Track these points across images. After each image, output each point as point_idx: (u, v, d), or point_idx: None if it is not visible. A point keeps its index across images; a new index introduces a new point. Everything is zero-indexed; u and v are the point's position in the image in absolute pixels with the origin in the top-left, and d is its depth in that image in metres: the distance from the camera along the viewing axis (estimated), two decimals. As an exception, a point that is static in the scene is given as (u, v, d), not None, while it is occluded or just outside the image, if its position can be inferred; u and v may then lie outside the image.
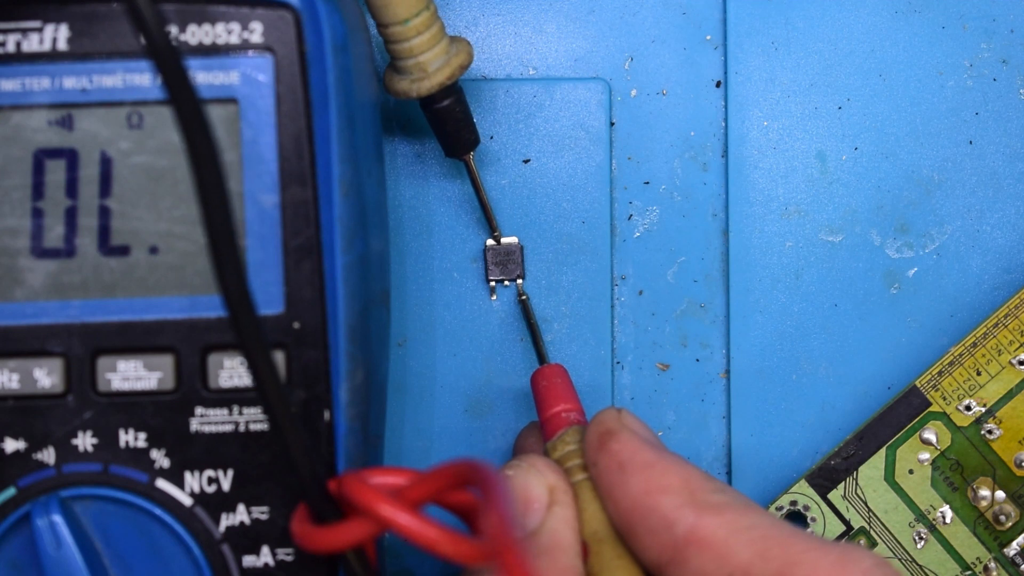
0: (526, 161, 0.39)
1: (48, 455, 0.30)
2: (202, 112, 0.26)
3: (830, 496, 0.37)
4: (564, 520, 0.29)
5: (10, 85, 0.30)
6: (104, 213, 0.30)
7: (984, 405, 0.37)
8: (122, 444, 0.30)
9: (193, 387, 0.30)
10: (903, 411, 0.37)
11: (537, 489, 0.29)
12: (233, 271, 0.27)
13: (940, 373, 0.37)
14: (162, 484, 0.30)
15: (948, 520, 0.37)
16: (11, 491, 0.30)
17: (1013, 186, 0.39)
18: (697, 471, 0.29)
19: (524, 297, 0.38)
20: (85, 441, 0.30)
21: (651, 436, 0.30)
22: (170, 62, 0.26)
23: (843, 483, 0.37)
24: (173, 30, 0.30)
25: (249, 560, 0.31)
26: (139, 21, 0.25)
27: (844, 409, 0.39)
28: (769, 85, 0.39)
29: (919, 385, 0.37)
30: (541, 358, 0.37)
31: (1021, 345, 0.37)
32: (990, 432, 0.37)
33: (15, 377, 0.30)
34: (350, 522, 0.28)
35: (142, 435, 0.30)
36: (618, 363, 0.39)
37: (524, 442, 0.35)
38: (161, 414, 0.30)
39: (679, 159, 0.39)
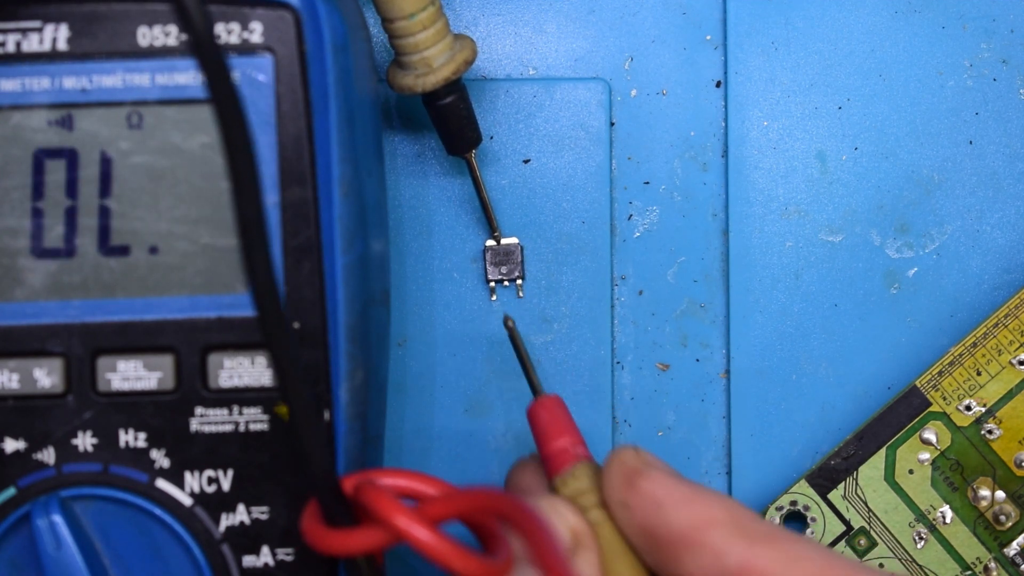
0: (526, 161, 0.39)
1: (48, 455, 0.30)
2: (243, 112, 0.25)
3: (830, 496, 0.37)
4: (591, 564, 0.29)
5: (10, 85, 0.30)
6: (104, 213, 0.30)
7: (984, 405, 0.37)
8: (122, 444, 0.30)
9: (193, 387, 0.30)
10: (903, 411, 0.37)
11: (561, 532, 0.29)
12: (263, 268, 0.26)
13: (940, 373, 0.37)
14: (162, 484, 0.30)
15: (948, 520, 0.37)
16: (11, 491, 0.30)
17: (1013, 186, 0.39)
18: (736, 502, 0.29)
19: (511, 324, 0.34)
20: (85, 441, 0.30)
21: (674, 471, 0.30)
22: (212, 58, 0.25)
23: (843, 483, 0.37)
24: (173, 30, 0.30)
25: (249, 560, 0.31)
26: (183, 15, 0.25)
27: (844, 409, 0.39)
28: (769, 85, 0.39)
29: (919, 385, 0.37)
30: (535, 389, 0.34)
31: (1021, 345, 0.37)
32: (990, 432, 0.37)
33: (15, 377, 0.30)
34: (365, 529, 0.28)
35: (142, 435, 0.30)
36: (618, 363, 0.39)
37: (520, 479, 0.34)
38: (161, 414, 0.30)
39: (679, 159, 0.39)
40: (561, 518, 0.29)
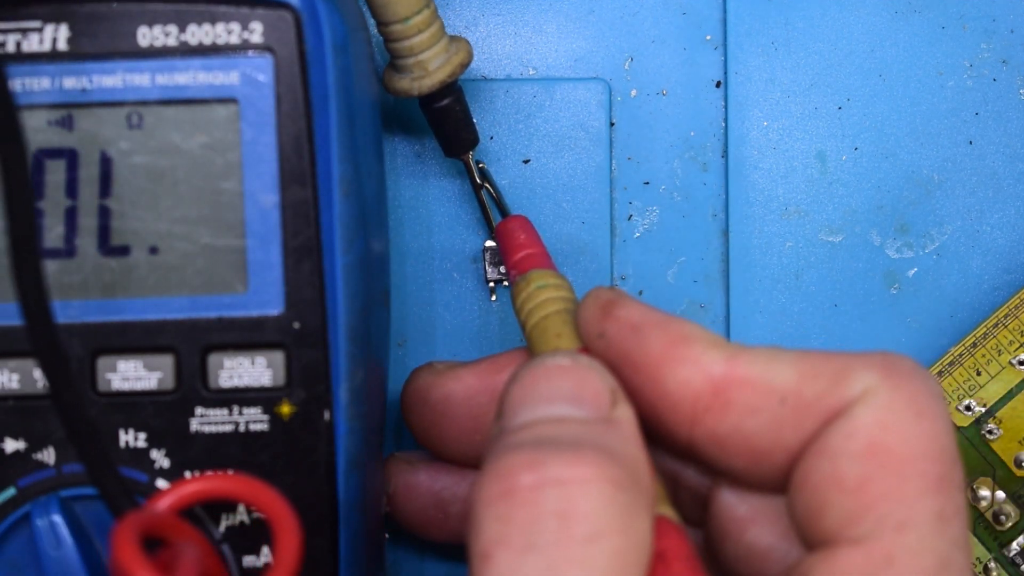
0: (526, 161, 0.39)
1: (48, 455, 0.30)
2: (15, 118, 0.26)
3: (830, 496, 0.37)
4: (628, 411, 0.27)
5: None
6: (104, 213, 0.30)
7: (984, 405, 0.37)
8: (122, 444, 0.30)
9: (193, 387, 0.30)
10: (903, 411, 0.37)
11: (602, 385, 0.28)
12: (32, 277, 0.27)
13: (940, 373, 0.37)
14: (162, 484, 0.30)
15: (948, 520, 0.37)
16: (11, 491, 0.30)
17: (1013, 186, 0.39)
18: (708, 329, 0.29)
19: (482, 165, 0.38)
20: (85, 441, 0.30)
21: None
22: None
23: (843, 483, 0.37)
24: (173, 30, 0.30)
25: (249, 560, 0.31)
26: None
27: (844, 409, 0.39)
28: (769, 85, 0.39)
29: (919, 385, 0.37)
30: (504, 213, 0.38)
31: (1021, 345, 0.37)
32: (990, 432, 0.37)
33: (15, 377, 0.30)
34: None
35: (142, 435, 0.30)
36: (618, 363, 0.39)
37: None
38: (161, 414, 0.30)
39: (679, 159, 0.39)
40: (601, 376, 0.28)
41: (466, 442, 0.34)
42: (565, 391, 0.27)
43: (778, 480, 0.27)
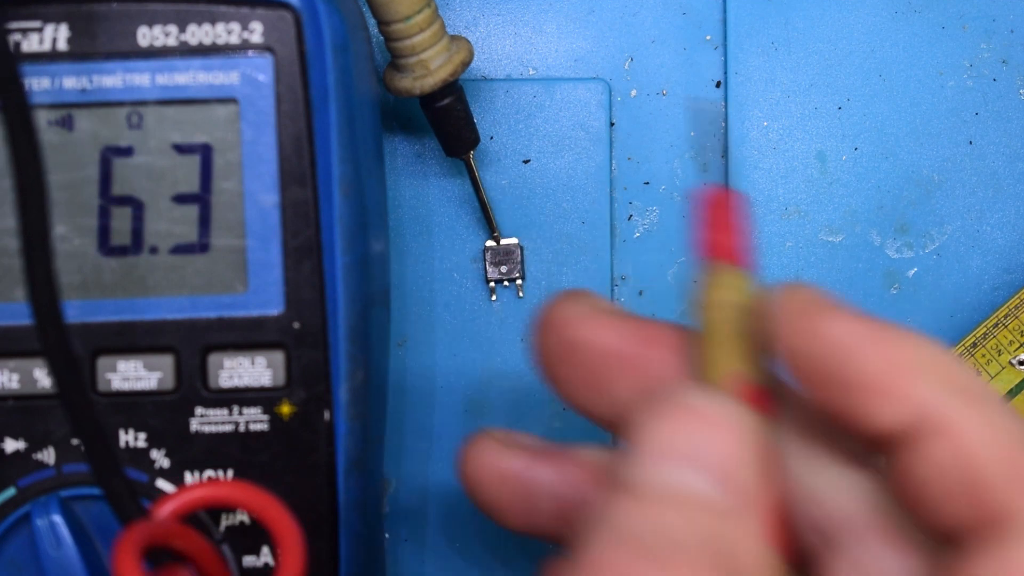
0: (526, 161, 0.39)
1: (48, 455, 0.30)
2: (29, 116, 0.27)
3: (830, 496, 0.37)
4: (773, 495, 0.24)
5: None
6: (104, 213, 0.30)
7: (984, 405, 0.37)
8: (122, 444, 0.30)
9: (193, 387, 0.30)
10: (903, 411, 0.37)
11: (751, 456, 0.23)
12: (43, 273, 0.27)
13: (940, 373, 0.37)
14: (162, 484, 0.30)
15: (948, 520, 0.37)
16: (11, 491, 0.30)
17: (1013, 186, 0.39)
18: (935, 344, 0.24)
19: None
20: (85, 441, 0.30)
21: (855, 308, 0.25)
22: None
23: (843, 483, 0.37)
24: (173, 30, 0.30)
25: (249, 560, 0.31)
26: None
27: (844, 409, 0.39)
28: (769, 85, 0.39)
29: (919, 385, 0.37)
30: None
31: (1021, 345, 0.37)
32: (990, 432, 0.37)
33: (15, 377, 0.30)
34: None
35: (142, 435, 0.30)
36: (618, 363, 0.39)
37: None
38: (161, 414, 0.30)
39: (679, 159, 0.39)
40: (755, 438, 0.24)
41: (595, 392, 0.28)
42: (705, 455, 0.23)
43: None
